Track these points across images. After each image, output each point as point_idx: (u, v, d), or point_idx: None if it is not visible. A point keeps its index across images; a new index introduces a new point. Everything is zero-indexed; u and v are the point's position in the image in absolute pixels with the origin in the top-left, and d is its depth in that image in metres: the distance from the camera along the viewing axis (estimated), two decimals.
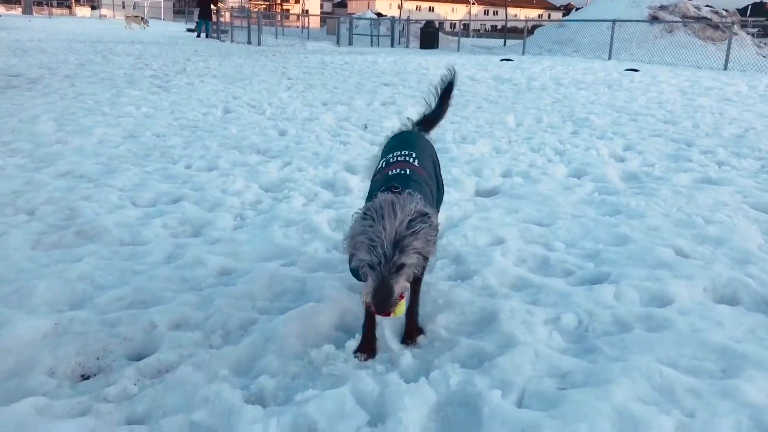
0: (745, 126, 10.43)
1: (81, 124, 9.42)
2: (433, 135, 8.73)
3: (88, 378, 3.22)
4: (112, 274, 4.32)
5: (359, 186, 6.59)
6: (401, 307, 2.85)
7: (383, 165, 3.57)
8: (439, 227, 3.13)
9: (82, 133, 8.75)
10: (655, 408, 2.74)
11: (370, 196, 3.32)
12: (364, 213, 2.74)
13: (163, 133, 9.04)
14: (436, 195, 3.70)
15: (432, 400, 2.81)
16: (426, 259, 2.91)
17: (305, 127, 9.71)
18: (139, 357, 3.38)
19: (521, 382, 2.98)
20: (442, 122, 4.44)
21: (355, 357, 3.28)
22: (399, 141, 3.84)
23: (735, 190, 6.39)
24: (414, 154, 3.56)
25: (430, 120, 4.30)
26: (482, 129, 9.78)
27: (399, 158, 3.51)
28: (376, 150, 8.20)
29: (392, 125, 10.07)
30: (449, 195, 5.99)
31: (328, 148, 8.28)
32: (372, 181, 3.70)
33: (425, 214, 2.74)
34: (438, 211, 3.78)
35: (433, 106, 4.32)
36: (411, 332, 3.49)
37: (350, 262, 3.00)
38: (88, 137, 8.54)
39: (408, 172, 3.36)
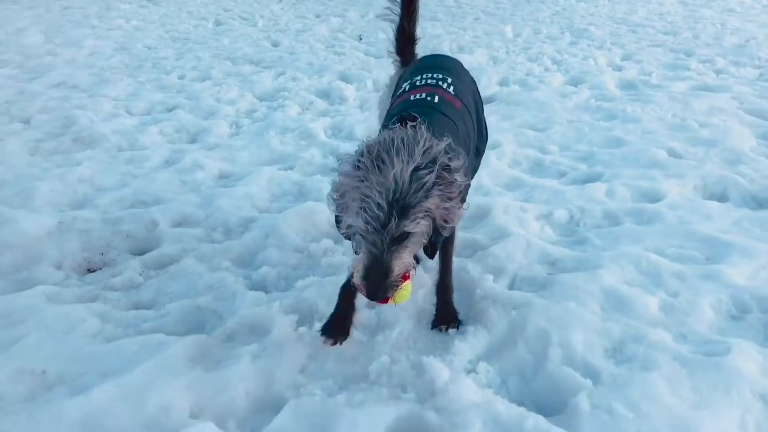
0: (746, 36, 10.25)
1: (70, 36, 9.23)
2: (430, 47, 8.56)
3: (94, 271, 3.33)
4: (111, 177, 4.37)
5: (355, 95, 6.56)
6: (405, 292, 2.15)
7: (407, 88, 2.75)
8: (469, 185, 2.36)
9: (72, 46, 8.59)
10: (641, 290, 2.87)
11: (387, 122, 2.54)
12: (357, 159, 2.02)
13: (155, 45, 8.88)
14: (475, 142, 2.82)
15: (427, 284, 2.93)
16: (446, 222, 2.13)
17: (298, 39, 9.54)
18: (142, 252, 3.48)
19: (513, 269, 3.10)
20: (419, 37, 3.49)
21: (321, 336, 2.57)
22: (431, 63, 2.99)
23: (731, 97, 6.37)
24: (449, 80, 2.71)
25: (403, 36, 3.38)
26: (480, 39, 9.61)
27: (428, 81, 2.68)
28: (372, 61, 8.17)
29: (387, 38, 9.87)
30: None
31: (322, 59, 8.17)
32: (389, 108, 2.86)
33: (443, 163, 2.01)
34: (477, 166, 3.00)
35: (398, 20, 3.40)
36: (443, 317, 2.70)
37: (338, 222, 2.26)
38: (79, 49, 8.40)
39: (436, 100, 2.54)
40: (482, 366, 2.44)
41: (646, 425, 2.08)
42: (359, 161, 1.99)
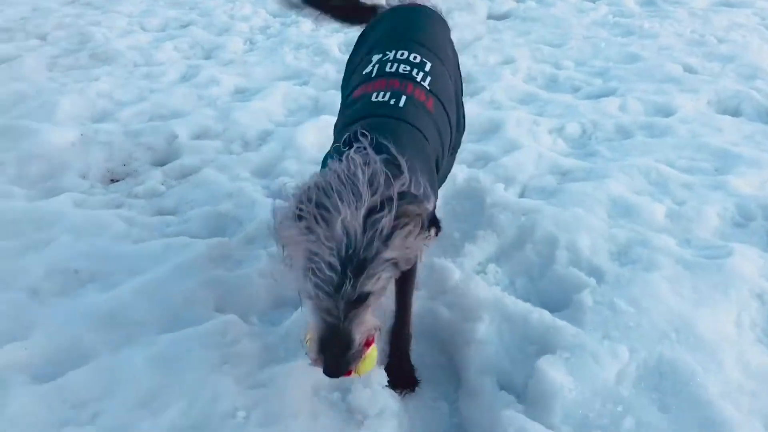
0: None
1: None
2: None
3: (117, 181, 3.46)
4: (130, 92, 4.44)
5: None
6: (370, 361, 1.81)
7: (372, 72, 2.17)
8: (435, 206, 1.90)
9: None
10: (648, 198, 2.94)
11: (338, 136, 2.00)
12: (297, 207, 1.62)
13: None
14: (453, 137, 2.32)
15: (439, 195, 3.01)
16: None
17: None
18: (163, 163, 3.59)
19: (523, 179, 3.17)
20: None
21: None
22: (406, 25, 2.40)
23: (753, 12, 6.21)
24: (428, 66, 2.17)
25: None
26: None
27: (400, 68, 2.13)
28: None
29: None
30: (460, 18, 5.90)
31: None
32: (342, 105, 2.32)
33: (402, 194, 1.59)
34: (450, 168, 2.52)
35: None
36: (398, 377, 2.13)
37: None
38: None
39: (402, 103, 2.01)
40: (491, 267, 2.56)
41: (646, 320, 2.19)
42: (299, 209, 1.60)
